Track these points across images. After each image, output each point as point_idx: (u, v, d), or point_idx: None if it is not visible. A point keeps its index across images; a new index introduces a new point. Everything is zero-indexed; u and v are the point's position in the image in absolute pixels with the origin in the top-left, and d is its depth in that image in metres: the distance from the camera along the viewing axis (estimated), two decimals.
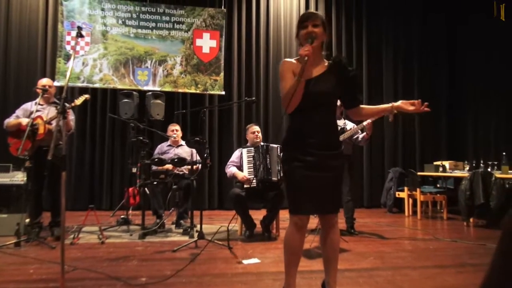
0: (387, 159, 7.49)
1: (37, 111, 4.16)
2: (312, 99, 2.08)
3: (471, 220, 5.26)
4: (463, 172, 5.89)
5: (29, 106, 4.35)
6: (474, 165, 5.95)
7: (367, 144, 5.58)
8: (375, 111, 2.29)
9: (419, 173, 6.48)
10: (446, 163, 6.38)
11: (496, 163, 5.52)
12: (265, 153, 4.33)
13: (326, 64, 2.19)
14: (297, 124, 2.13)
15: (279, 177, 4.27)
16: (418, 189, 6.09)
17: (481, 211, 5.07)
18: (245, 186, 4.28)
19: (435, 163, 6.55)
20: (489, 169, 5.34)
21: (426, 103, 2.12)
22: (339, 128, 4.48)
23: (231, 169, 4.54)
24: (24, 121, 4.14)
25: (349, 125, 4.81)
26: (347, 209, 4.66)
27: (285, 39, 7.34)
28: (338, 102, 4.92)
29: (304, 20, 2.14)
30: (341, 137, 4.53)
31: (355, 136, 4.68)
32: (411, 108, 2.16)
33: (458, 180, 6.01)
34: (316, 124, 2.09)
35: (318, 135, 2.08)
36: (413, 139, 7.63)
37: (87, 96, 4.23)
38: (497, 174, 5.07)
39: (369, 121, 4.51)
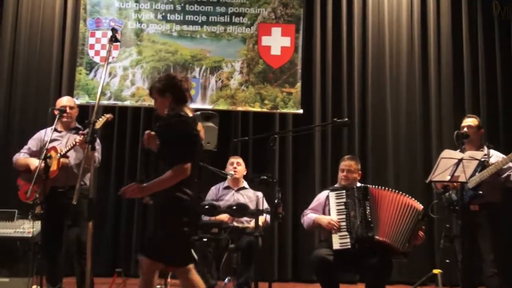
0: None
1: (52, 140, 4.40)
2: None
3: None
4: None
5: (43, 134, 4.58)
6: None
7: None
8: None
9: None
10: None
11: None
12: (363, 199, 4.30)
13: None
14: None
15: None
16: None
17: None
18: (334, 247, 4.23)
19: None
20: None
21: None
22: (474, 162, 4.29)
23: (309, 216, 4.59)
24: (33, 163, 4.34)
25: (495, 157, 4.59)
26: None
27: (390, 36, 7.24)
28: (468, 121, 4.75)
29: None
30: (480, 176, 4.38)
31: (505, 174, 4.46)
32: None
33: None
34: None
35: None
36: None
37: (108, 116, 4.42)
38: None
39: None
